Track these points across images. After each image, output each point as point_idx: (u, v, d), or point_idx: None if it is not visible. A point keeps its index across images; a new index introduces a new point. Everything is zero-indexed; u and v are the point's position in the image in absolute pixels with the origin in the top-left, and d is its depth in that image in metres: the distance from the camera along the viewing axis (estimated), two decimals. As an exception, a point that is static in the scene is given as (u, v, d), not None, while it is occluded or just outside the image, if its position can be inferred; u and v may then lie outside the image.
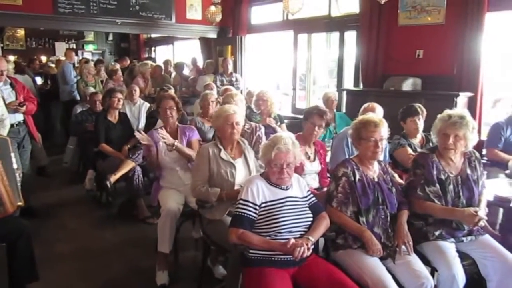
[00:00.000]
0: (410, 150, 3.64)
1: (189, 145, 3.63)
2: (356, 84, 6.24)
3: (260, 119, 4.60)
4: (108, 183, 4.30)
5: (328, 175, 3.42)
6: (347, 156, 3.26)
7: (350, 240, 2.52)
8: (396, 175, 3.09)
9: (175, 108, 3.67)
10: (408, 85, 5.25)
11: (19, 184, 2.99)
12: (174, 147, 3.41)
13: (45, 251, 3.52)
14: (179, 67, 8.35)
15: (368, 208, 2.53)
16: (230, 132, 2.95)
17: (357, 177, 2.56)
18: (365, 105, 3.83)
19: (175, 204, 3.33)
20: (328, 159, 3.73)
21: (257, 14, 8.35)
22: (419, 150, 3.54)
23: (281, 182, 2.42)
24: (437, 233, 2.62)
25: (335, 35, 6.72)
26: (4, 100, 4.04)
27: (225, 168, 2.92)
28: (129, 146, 4.69)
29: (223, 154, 2.94)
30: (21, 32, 10.43)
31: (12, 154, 2.96)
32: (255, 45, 8.52)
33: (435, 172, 2.67)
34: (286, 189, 2.45)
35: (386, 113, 3.75)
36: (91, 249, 3.87)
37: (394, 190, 2.65)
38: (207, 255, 3.17)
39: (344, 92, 6.20)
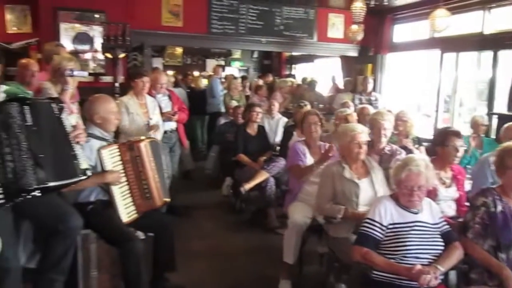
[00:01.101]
0: None
1: None
2: (509, 108, 5.65)
3: (397, 140, 4.46)
4: (242, 190, 4.58)
5: (466, 203, 3.17)
6: (490, 185, 2.99)
7: (486, 276, 2.31)
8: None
9: (319, 123, 3.77)
10: None
11: (167, 182, 3.39)
12: None
13: (182, 246, 3.74)
14: (311, 84, 8.51)
15: (510, 244, 2.30)
16: (357, 152, 2.93)
17: (499, 208, 2.34)
18: (507, 124, 3.47)
19: (302, 217, 3.39)
20: (469, 186, 3.46)
21: (400, 32, 8.11)
22: None
23: (411, 205, 2.34)
24: None
25: (487, 54, 6.19)
26: (161, 109, 4.61)
27: (349, 187, 2.91)
28: (264, 157, 4.93)
29: (347, 173, 2.94)
30: (179, 50, 11.70)
31: (163, 156, 3.36)
32: (396, 63, 8.28)
33: None
34: (416, 213, 2.36)
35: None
36: (222, 250, 4.17)
37: (545, 227, 2.37)
38: (331, 271, 3.18)
39: (495, 117, 5.66)
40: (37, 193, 2.24)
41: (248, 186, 4.58)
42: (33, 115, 2.26)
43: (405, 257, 2.24)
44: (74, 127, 2.58)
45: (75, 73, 3.25)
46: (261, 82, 8.65)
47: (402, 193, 2.35)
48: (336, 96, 7.64)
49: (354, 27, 7.25)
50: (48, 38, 6.13)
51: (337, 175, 2.94)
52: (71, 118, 2.89)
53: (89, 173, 2.51)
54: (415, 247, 2.25)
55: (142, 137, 3.30)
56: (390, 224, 2.32)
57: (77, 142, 2.51)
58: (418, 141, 4.76)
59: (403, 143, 4.37)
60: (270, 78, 9.71)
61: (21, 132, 2.19)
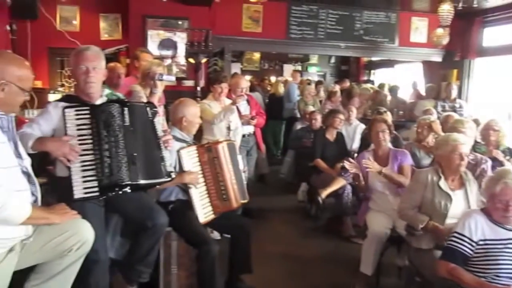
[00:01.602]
0: None
1: (400, 170, 3.56)
2: None
3: (485, 150, 4.18)
4: (320, 200, 4.52)
5: None
6: None
7: None
8: None
9: (387, 131, 3.66)
10: None
11: (244, 183, 3.43)
12: (381, 174, 3.40)
13: (256, 249, 3.66)
14: (393, 90, 8.23)
15: None
16: (458, 163, 2.77)
17: None
18: None
19: (383, 228, 3.29)
20: None
21: (491, 36, 7.59)
22: None
23: (505, 221, 2.18)
24: None
25: None
26: (239, 113, 4.69)
27: (440, 198, 2.77)
28: (342, 164, 4.84)
29: (442, 183, 2.79)
30: (256, 56, 11.87)
31: (239, 156, 3.41)
32: (485, 69, 7.76)
33: None
34: (511, 230, 2.18)
35: None
36: (296, 254, 4.14)
37: None
38: (411, 286, 3.04)
39: None
40: (128, 190, 2.39)
41: (324, 193, 4.51)
42: (131, 116, 2.45)
43: (498, 276, 2.09)
44: (165, 131, 2.73)
45: (164, 77, 3.42)
46: (337, 87, 8.53)
47: (496, 208, 2.19)
48: (418, 103, 7.32)
49: (439, 30, 6.91)
50: (137, 44, 6.52)
51: (431, 183, 2.81)
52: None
53: (173, 175, 2.65)
54: (509, 266, 2.09)
55: (221, 139, 3.40)
56: (481, 240, 2.18)
57: (166, 147, 2.66)
58: (510, 152, 4.41)
59: (493, 154, 4.09)
60: (347, 83, 9.54)
61: (119, 131, 2.38)
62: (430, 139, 4.14)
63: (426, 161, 3.95)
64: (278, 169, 6.77)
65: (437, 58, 8.11)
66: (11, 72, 1.90)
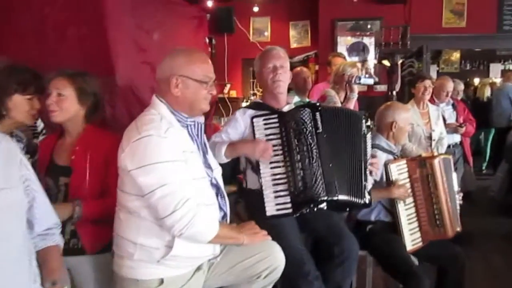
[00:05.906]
0: None
1: None
2: None
3: None
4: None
5: None
6: None
7: None
8: None
9: None
10: None
11: (458, 208, 2.88)
12: None
13: (467, 282, 2.97)
14: None
15: None
16: None
17: None
18: None
19: None
20: None
21: None
22: None
23: None
24: None
25: None
26: (445, 120, 4.12)
27: None
28: None
29: None
30: (456, 55, 10.57)
31: (454, 174, 2.88)
32: None
33: None
34: None
35: None
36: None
37: None
38: None
39: None
40: (324, 206, 2.13)
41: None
42: (325, 122, 2.20)
43: None
44: (373, 156, 2.42)
45: (362, 80, 3.09)
46: None
47: None
48: None
49: None
50: (326, 49, 6.42)
51: None
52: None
53: (367, 201, 2.27)
54: None
55: (435, 153, 2.95)
56: None
57: (370, 172, 2.34)
58: None
59: None
60: None
61: (312, 140, 2.14)
62: None
63: None
64: (485, 185, 5.82)
65: None
66: (179, 65, 1.72)
